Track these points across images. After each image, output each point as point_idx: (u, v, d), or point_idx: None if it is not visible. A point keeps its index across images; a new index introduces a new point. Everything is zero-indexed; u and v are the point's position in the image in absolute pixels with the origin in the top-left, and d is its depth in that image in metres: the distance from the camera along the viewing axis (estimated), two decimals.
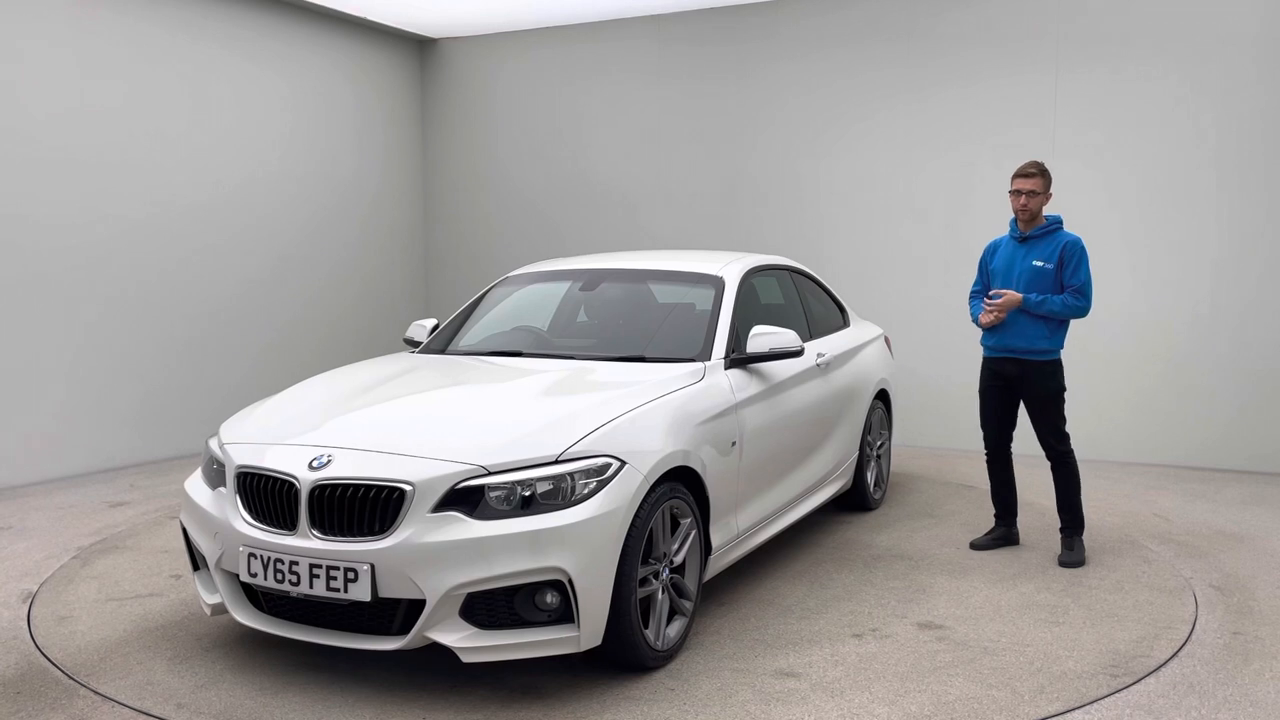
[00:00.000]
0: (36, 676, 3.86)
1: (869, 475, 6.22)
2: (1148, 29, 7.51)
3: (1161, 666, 3.93)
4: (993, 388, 5.40)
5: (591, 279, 5.46)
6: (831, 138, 8.60)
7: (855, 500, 6.17)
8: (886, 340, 6.78)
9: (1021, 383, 5.29)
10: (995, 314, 5.19)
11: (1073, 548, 5.28)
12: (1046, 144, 7.81)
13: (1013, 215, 5.29)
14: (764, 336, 4.67)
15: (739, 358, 4.70)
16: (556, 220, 9.73)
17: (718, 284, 5.05)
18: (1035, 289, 5.17)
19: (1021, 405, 5.39)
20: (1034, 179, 5.14)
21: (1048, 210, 5.38)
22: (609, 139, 9.48)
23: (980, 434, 5.54)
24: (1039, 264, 5.17)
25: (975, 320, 5.37)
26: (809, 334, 5.62)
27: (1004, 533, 5.56)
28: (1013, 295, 5.14)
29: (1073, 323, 7.71)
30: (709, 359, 4.59)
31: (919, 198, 8.31)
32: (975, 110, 8.07)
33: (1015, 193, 5.18)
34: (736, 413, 4.48)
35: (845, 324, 6.32)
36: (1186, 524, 6.02)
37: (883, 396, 6.42)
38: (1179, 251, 7.55)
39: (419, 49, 10.18)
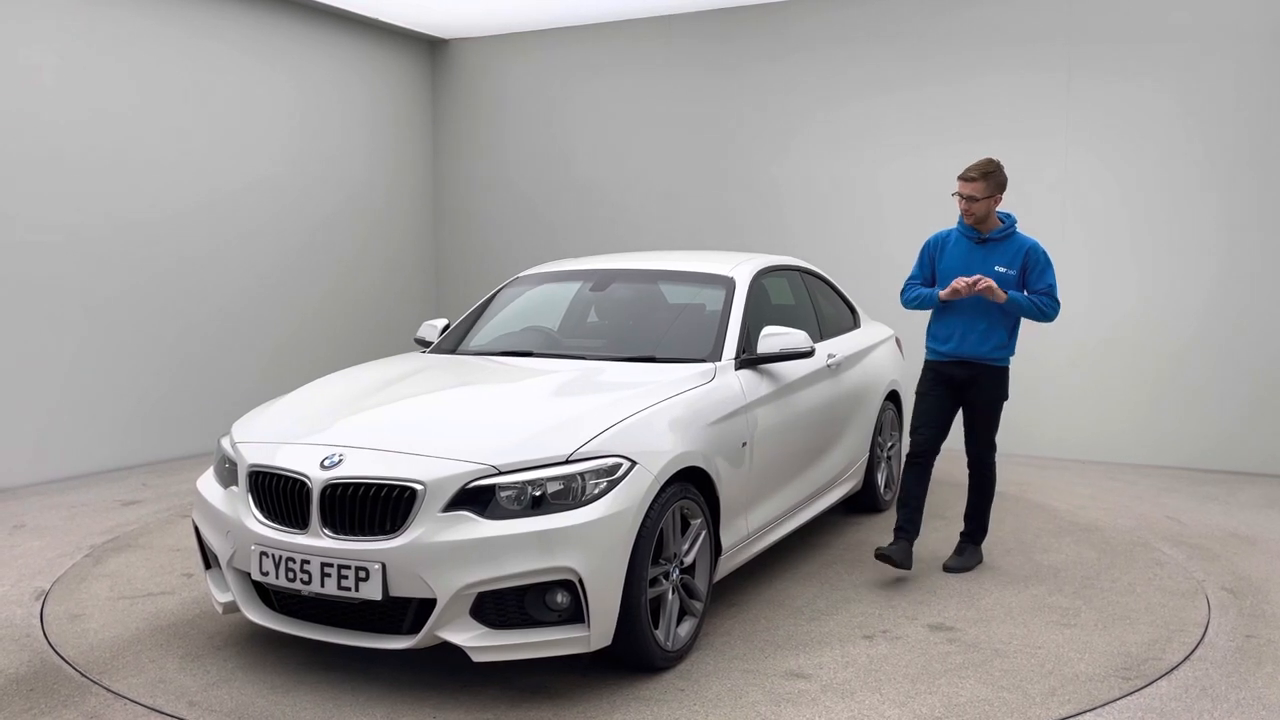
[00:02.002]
0: (49, 674, 3.88)
1: (879, 476, 6.21)
2: (1159, 29, 7.48)
3: (1174, 669, 3.91)
4: (937, 391, 5.05)
5: (602, 279, 5.46)
6: (842, 138, 8.58)
7: (866, 502, 6.15)
8: (898, 341, 6.77)
9: (970, 387, 5.00)
10: (963, 292, 4.77)
11: (963, 552, 5.15)
12: (1058, 144, 7.79)
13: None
14: (775, 337, 4.66)
15: (750, 358, 4.69)
16: (567, 220, 9.74)
17: (728, 284, 5.04)
18: None
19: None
20: (974, 183, 4.84)
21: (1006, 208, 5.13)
22: (619, 139, 9.48)
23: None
24: (1002, 269, 4.90)
25: (918, 304, 5.02)
26: (820, 335, 5.61)
27: (907, 549, 4.92)
28: (998, 291, 4.78)
29: (1086, 322, 7.82)
30: (719, 359, 4.59)
31: (930, 198, 8.28)
32: (987, 110, 8.03)
33: (958, 195, 4.91)
34: (747, 413, 4.47)
35: (856, 325, 6.31)
36: (1199, 526, 5.99)
37: (893, 398, 6.41)
38: (1192, 252, 7.51)
39: (430, 49, 10.20)
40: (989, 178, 4.85)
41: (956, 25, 8.10)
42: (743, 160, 8.98)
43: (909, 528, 4.99)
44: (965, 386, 5.02)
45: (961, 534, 5.25)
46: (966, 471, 5.23)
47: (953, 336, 4.99)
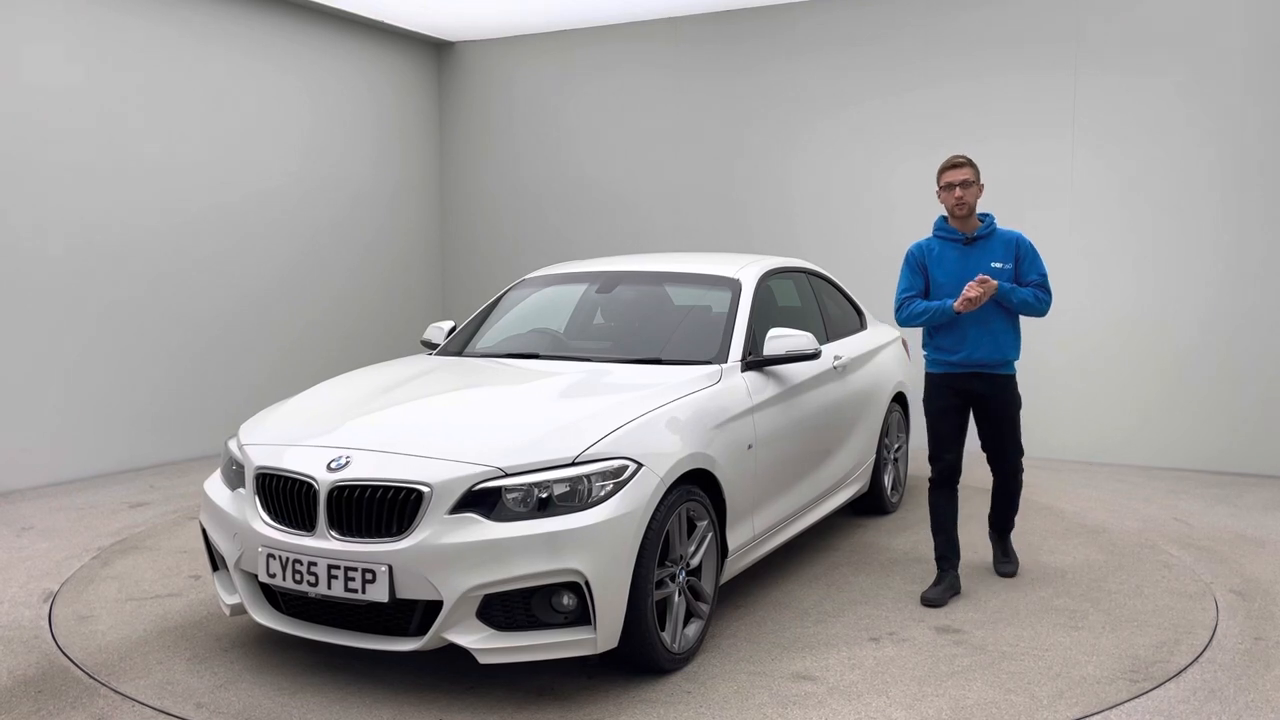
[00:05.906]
0: (57, 675, 3.89)
1: (886, 478, 6.20)
2: (1165, 30, 7.46)
3: (1182, 672, 3.90)
4: (952, 408, 4.78)
5: (608, 281, 5.46)
6: (850, 139, 8.57)
7: (872, 503, 6.14)
8: (904, 343, 6.76)
9: (987, 401, 4.79)
10: (974, 302, 4.53)
11: (1007, 552, 5.11)
12: (1065, 145, 7.77)
13: (941, 216, 4.86)
14: (781, 339, 4.66)
15: (756, 360, 4.69)
16: (573, 222, 9.74)
17: (735, 286, 5.04)
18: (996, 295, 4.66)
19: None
20: (965, 169, 4.68)
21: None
22: (625, 142, 9.49)
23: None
24: (998, 265, 4.71)
25: (927, 319, 4.71)
26: (826, 337, 5.61)
27: (954, 579, 4.78)
28: (990, 282, 4.55)
29: (1093, 323, 7.80)
30: (726, 361, 4.59)
31: (937, 201, 8.27)
32: (994, 111, 8.02)
33: (948, 186, 4.69)
34: (753, 415, 4.47)
35: (862, 327, 6.31)
36: (1207, 529, 5.97)
37: (900, 399, 6.40)
38: (1199, 253, 7.49)
39: (436, 52, 10.21)
40: (974, 164, 4.75)
41: (963, 27, 8.09)
42: (751, 162, 8.98)
43: (951, 555, 4.78)
44: (981, 401, 4.80)
45: (994, 536, 5.14)
46: (991, 481, 5.01)
47: (963, 344, 4.72)
